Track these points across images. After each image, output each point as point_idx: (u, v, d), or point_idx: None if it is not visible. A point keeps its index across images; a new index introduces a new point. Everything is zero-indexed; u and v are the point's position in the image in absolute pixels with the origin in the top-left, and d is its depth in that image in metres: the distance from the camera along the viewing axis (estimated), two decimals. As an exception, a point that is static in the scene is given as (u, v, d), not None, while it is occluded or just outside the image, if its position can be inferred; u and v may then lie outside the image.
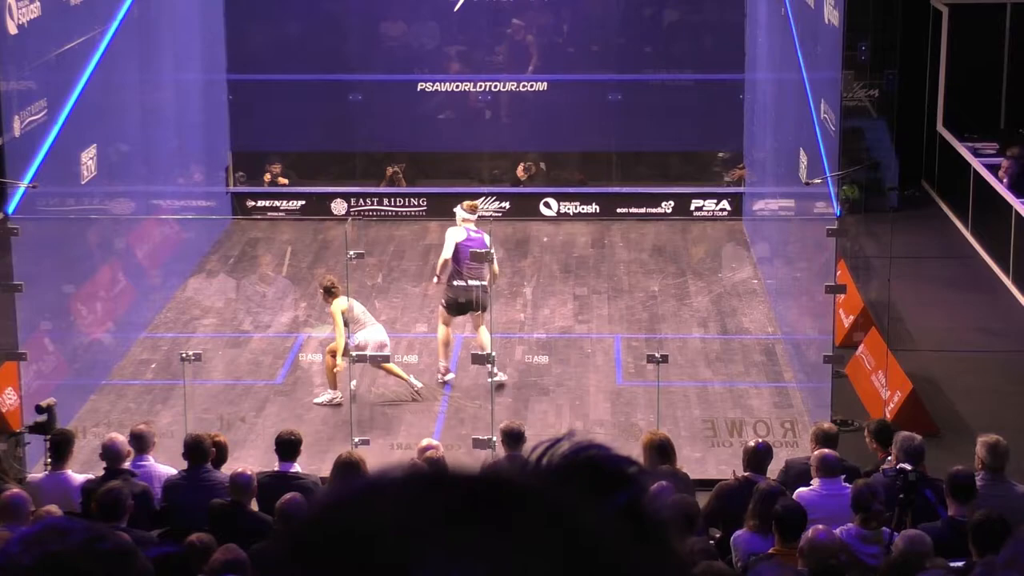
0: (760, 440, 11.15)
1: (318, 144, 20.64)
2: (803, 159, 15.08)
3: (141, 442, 11.11)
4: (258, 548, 8.34)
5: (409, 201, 20.17)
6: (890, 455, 10.46)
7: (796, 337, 15.30)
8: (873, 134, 19.80)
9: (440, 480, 1.23)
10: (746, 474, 10.50)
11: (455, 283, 14.42)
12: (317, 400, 14.26)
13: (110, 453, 10.80)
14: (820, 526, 8.75)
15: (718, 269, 18.08)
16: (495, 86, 20.35)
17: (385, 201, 20.18)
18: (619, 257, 18.73)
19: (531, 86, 20.38)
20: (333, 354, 14.04)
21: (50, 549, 1.85)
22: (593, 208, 20.19)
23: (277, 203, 20.18)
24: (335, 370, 14.07)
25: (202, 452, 10.73)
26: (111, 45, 15.32)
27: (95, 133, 14.96)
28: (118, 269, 16.06)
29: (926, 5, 20.96)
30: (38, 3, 13.25)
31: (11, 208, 13.16)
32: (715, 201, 20.09)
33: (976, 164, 19.20)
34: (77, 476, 10.98)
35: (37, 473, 11.79)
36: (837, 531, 9.00)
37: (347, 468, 10.19)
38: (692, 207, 20.04)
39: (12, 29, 12.77)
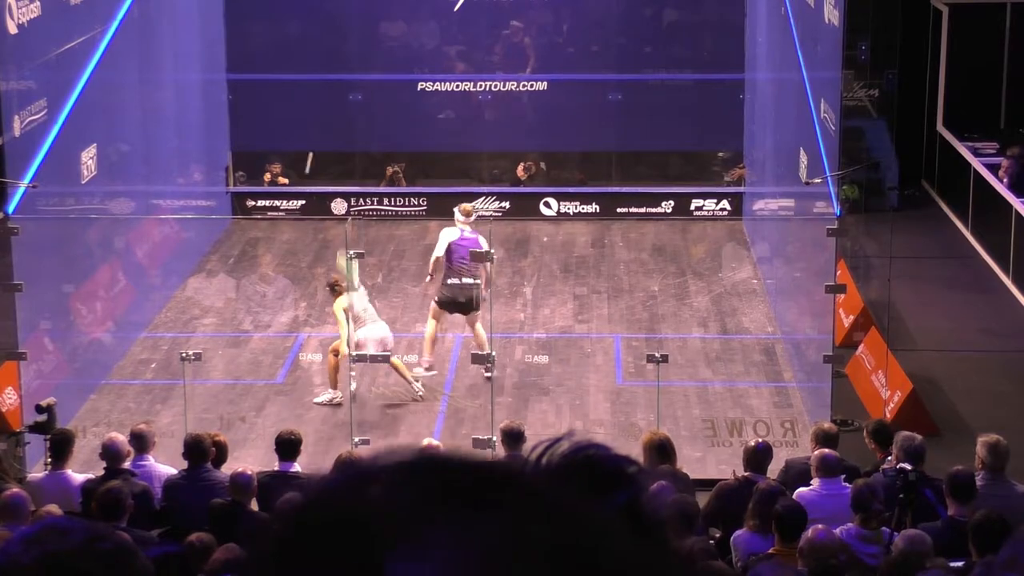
0: (760, 440, 11.15)
1: (318, 144, 20.64)
2: (803, 159, 15.08)
3: (141, 442, 11.11)
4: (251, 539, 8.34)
5: (409, 201, 20.17)
6: (890, 455, 10.46)
7: (796, 337, 15.30)
8: (873, 134, 19.79)
9: (432, 465, 1.23)
10: (746, 474, 10.50)
11: (449, 281, 14.47)
12: (317, 400, 14.26)
13: (110, 453, 10.80)
14: (820, 526, 8.75)
15: (718, 269, 18.08)
16: (495, 86, 20.35)
17: (385, 201, 20.18)
18: (619, 257, 18.73)
19: (531, 86, 20.38)
20: (336, 353, 14.05)
21: (50, 549, 1.85)
22: (593, 208, 20.19)
23: (277, 203, 20.18)
24: (338, 359, 14.06)
25: (202, 452, 10.73)
26: (111, 45, 15.32)
27: (95, 133, 14.96)
28: (118, 269, 16.06)
29: (926, 5, 20.96)
30: (38, 3, 13.25)
31: (11, 208, 13.16)
32: (715, 201, 20.09)
33: (976, 164, 19.20)
34: (77, 476, 10.97)
35: (37, 473, 11.79)
36: (837, 531, 9.00)
37: (346, 465, 10.18)
38: (692, 207, 20.04)
39: (12, 29, 12.77)
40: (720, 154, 20.54)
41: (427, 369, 14.61)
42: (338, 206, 20.03)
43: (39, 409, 12.26)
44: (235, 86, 20.04)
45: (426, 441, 11.31)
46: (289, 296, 17.08)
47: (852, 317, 15.49)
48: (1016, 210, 17.39)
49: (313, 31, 20.11)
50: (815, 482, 10.22)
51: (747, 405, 14.21)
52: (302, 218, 19.98)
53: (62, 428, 12.04)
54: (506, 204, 20.09)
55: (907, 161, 20.50)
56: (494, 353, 13.95)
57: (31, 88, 13.46)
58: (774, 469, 10.97)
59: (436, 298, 14.72)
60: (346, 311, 13.94)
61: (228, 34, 19.83)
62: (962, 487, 9.40)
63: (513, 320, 16.36)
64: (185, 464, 10.80)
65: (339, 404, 14.05)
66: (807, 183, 14.51)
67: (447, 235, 14.63)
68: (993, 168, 18.88)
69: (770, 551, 8.93)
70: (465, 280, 14.44)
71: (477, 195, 19.94)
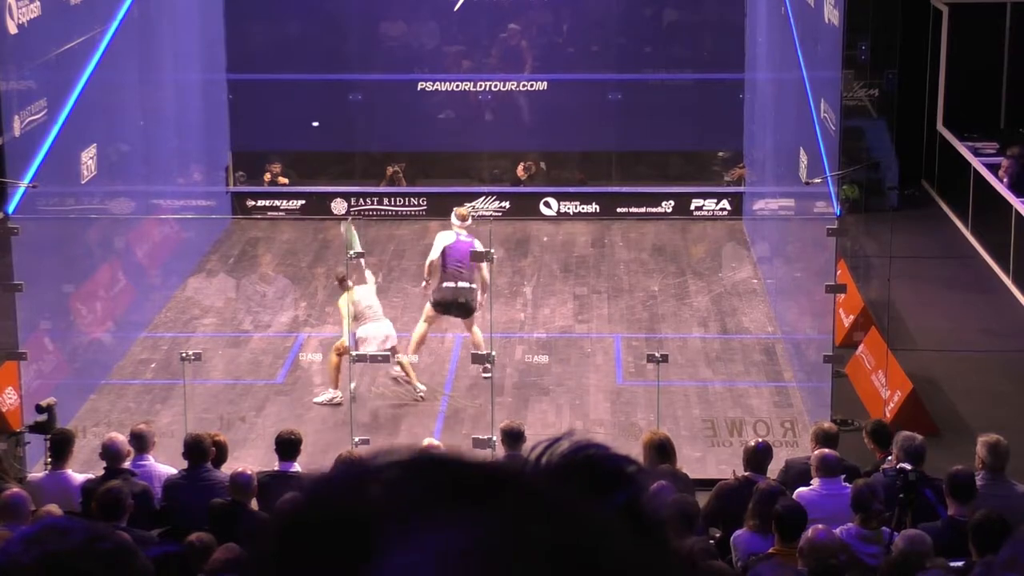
0: (760, 440, 11.15)
1: (318, 144, 20.65)
2: (803, 159, 15.08)
3: (141, 442, 11.11)
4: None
5: (409, 201, 20.17)
6: (889, 455, 10.46)
7: (796, 337, 15.30)
8: (873, 134, 19.79)
9: (431, 465, 1.23)
10: (746, 474, 10.50)
11: (445, 285, 14.45)
12: (317, 399, 14.26)
13: (110, 453, 10.80)
14: (820, 526, 8.75)
15: (718, 269, 18.08)
16: (495, 86, 20.35)
17: (385, 201, 20.18)
18: (619, 257, 18.73)
19: (531, 86, 20.38)
20: (339, 352, 14.02)
21: (50, 548, 1.85)
22: (593, 208, 20.19)
23: (277, 203, 20.18)
24: (340, 358, 14.04)
25: (202, 452, 10.73)
26: (111, 45, 15.32)
27: (95, 133, 14.96)
28: (118, 269, 16.06)
29: (926, 5, 20.97)
30: (38, 3, 13.25)
31: (11, 208, 13.17)
32: (715, 201, 20.09)
33: (976, 164, 19.20)
34: (77, 476, 10.98)
35: (37, 472, 11.79)
36: (837, 531, 9.00)
37: (347, 464, 10.18)
38: (692, 207, 20.04)
39: (12, 29, 12.77)
40: (720, 154, 20.54)
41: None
42: (338, 206, 20.03)
43: (39, 409, 12.27)
44: (235, 86, 20.04)
45: (426, 441, 11.31)
46: (289, 296, 17.08)
47: (852, 317, 15.49)
48: (1016, 210, 17.39)
49: (313, 31, 20.11)
50: (815, 482, 10.22)
51: (747, 405, 14.21)
52: (302, 218, 19.98)
53: (62, 428, 12.04)
54: (506, 204, 20.09)
55: (907, 161, 20.50)
56: (494, 353, 13.94)
57: (31, 88, 13.46)
58: (774, 469, 10.97)
59: (431, 301, 14.68)
60: (352, 305, 13.94)
61: (228, 34, 19.83)
62: (962, 487, 9.40)
63: (513, 320, 16.36)
64: (185, 464, 10.80)
65: (339, 404, 14.05)
66: (807, 183, 14.51)
67: (442, 239, 14.62)
68: (993, 168, 18.88)
69: (770, 551, 8.93)
70: (461, 284, 14.42)
71: (477, 195, 19.96)
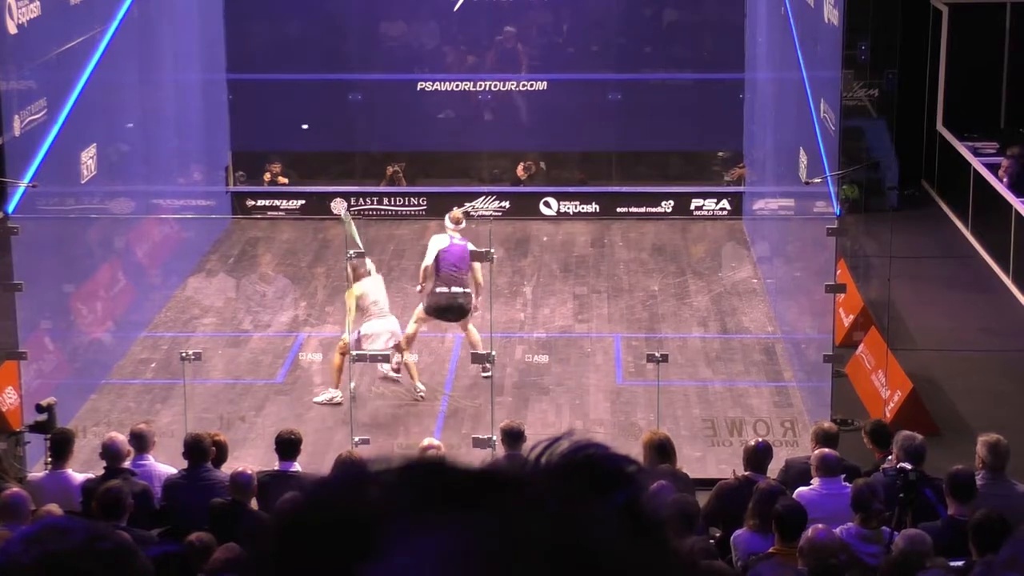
0: (760, 439, 11.16)
1: (318, 144, 20.65)
2: (803, 158, 15.08)
3: (141, 441, 11.11)
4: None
5: (409, 201, 20.17)
6: (889, 455, 10.46)
7: (796, 336, 15.31)
8: (873, 134, 19.78)
9: (431, 467, 1.24)
10: (746, 473, 10.50)
11: (438, 290, 14.39)
12: (317, 399, 14.26)
13: (110, 452, 10.80)
14: (820, 525, 8.75)
15: (718, 268, 18.09)
16: (495, 86, 20.35)
17: (385, 201, 20.18)
18: (619, 256, 18.73)
19: (531, 86, 20.38)
20: (342, 352, 14.00)
21: (50, 548, 1.85)
22: (593, 207, 20.19)
23: (277, 203, 20.18)
24: (343, 358, 14.02)
25: (202, 451, 10.73)
26: (111, 45, 15.32)
27: (95, 133, 14.96)
28: (118, 268, 16.06)
29: (926, 5, 20.96)
30: (38, 3, 13.25)
31: (11, 207, 13.17)
32: (715, 200, 20.09)
33: (976, 164, 19.20)
34: (77, 475, 10.98)
35: (37, 472, 11.79)
36: (837, 530, 9.00)
37: (347, 466, 10.19)
38: (692, 206, 20.04)
39: (12, 29, 12.77)
40: (720, 154, 20.54)
41: (395, 370, 14.54)
42: (338, 206, 20.02)
43: (39, 409, 12.27)
44: (235, 86, 20.04)
45: (426, 441, 11.31)
46: (289, 296, 17.08)
47: (852, 317, 15.49)
48: (1016, 210, 17.39)
49: (313, 31, 20.11)
50: (815, 482, 10.22)
51: (747, 405, 14.21)
52: (302, 218, 19.98)
53: (62, 428, 12.04)
54: (506, 204, 20.09)
55: (907, 161, 20.50)
56: (494, 353, 13.94)
57: (31, 88, 13.46)
58: (774, 469, 10.97)
59: (424, 305, 14.60)
60: (358, 300, 13.93)
61: (228, 34, 19.83)
62: (962, 487, 9.40)
63: (513, 320, 16.37)
64: (185, 464, 10.80)
65: (339, 404, 14.04)
66: (807, 183, 14.51)
67: (436, 243, 14.53)
68: (993, 168, 18.88)
69: (770, 551, 8.93)
70: (454, 289, 14.37)
71: (477, 195, 19.96)
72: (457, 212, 15.02)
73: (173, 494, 10.61)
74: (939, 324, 16.29)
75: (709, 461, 12.92)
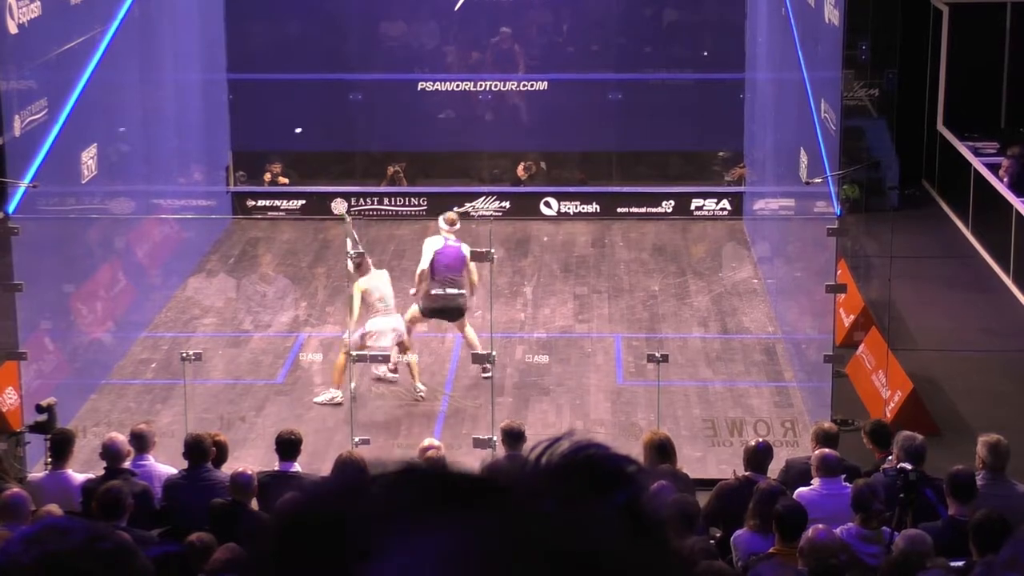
0: (760, 440, 11.16)
1: (318, 144, 20.65)
2: (803, 158, 15.08)
3: (141, 442, 11.11)
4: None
5: (409, 201, 20.17)
6: (889, 455, 10.46)
7: (796, 337, 15.31)
8: (873, 133, 19.79)
9: (431, 468, 1.24)
10: (746, 474, 10.50)
11: (434, 292, 14.37)
12: (317, 399, 14.25)
13: (110, 452, 10.80)
14: (820, 526, 8.75)
15: (718, 268, 18.09)
16: (495, 86, 20.35)
17: (386, 201, 20.18)
18: (619, 256, 18.73)
19: (531, 86, 20.38)
20: (347, 352, 13.94)
21: (50, 548, 1.85)
22: (593, 208, 20.19)
23: (277, 203, 20.18)
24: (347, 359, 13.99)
25: (202, 451, 10.73)
26: (111, 45, 15.32)
27: (95, 133, 14.96)
28: (118, 268, 16.06)
29: (926, 5, 20.96)
30: (38, 3, 13.25)
31: (11, 208, 13.17)
32: (715, 200, 20.09)
33: (976, 163, 19.20)
34: (77, 475, 10.98)
35: (37, 472, 11.79)
36: (837, 531, 9.00)
37: (347, 467, 10.19)
38: (692, 206, 20.04)
39: (12, 29, 12.77)
40: (720, 154, 20.54)
41: (392, 371, 14.53)
42: (338, 206, 20.03)
43: (39, 409, 12.27)
44: (235, 86, 20.05)
45: (426, 441, 11.30)
46: (289, 296, 17.08)
47: (852, 317, 15.49)
48: (1016, 210, 17.39)
49: (313, 31, 20.11)
50: (815, 482, 10.22)
51: (747, 405, 14.21)
52: (302, 218, 19.97)
53: (62, 428, 12.05)
54: (506, 204, 20.09)
55: (907, 161, 20.50)
56: (494, 353, 13.94)
57: (31, 88, 13.46)
58: (774, 469, 10.97)
59: (420, 306, 14.57)
60: (364, 295, 13.89)
61: (228, 34, 19.83)
62: (962, 487, 9.40)
63: (513, 320, 16.37)
64: (185, 464, 10.80)
65: (339, 404, 14.04)
66: (807, 183, 14.51)
67: (431, 245, 14.49)
68: (993, 168, 18.88)
69: (770, 551, 8.93)
70: (450, 291, 14.36)
71: (477, 195, 19.96)
72: (451, 213, 14.98)
73: (173, 494, 10.61)
74: (939, 324, 16.29)
75: (709, 461, 12.92)
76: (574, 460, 1.26)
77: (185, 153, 18.84)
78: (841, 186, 14.71)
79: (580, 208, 20.20)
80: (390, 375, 14.48)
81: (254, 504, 10.13)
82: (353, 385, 13.58)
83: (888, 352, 13.88)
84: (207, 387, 14.43)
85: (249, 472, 10.22)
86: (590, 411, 14.13)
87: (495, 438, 12.34)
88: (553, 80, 20.29)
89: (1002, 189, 18.16)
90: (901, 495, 9.36)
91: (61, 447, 11.17)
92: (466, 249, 14.38)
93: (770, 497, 9.28)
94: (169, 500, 10.60)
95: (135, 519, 9.68)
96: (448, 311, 14.46)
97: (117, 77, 15.84)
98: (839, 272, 13.88)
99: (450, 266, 14.32)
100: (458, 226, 14.67)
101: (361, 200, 20.10)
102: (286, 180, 20.32)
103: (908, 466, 9.61)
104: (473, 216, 19.14)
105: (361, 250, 14.22)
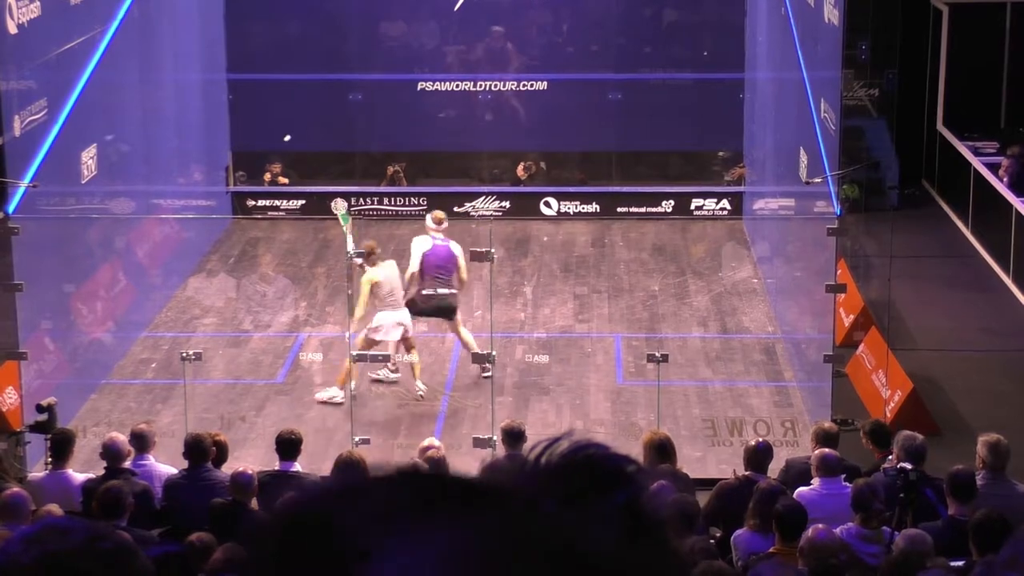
0: (760, 439, 11.16)
1: (318, 144, 20.65)
2: (803, 158, 15.08)
3: (141, 441, 11.11)
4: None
5: (409, 200, 20.17)
6: (890, 455, 10.46)
7: (796, 336, 15.30)
8: (873, 133, 19.79)
9: (430, 469, 1.24)
10: (746, 473, 10.50)
11: (425, 292, 14.35)
12: (318, 396, 14.23)
13: (110, 452, 10.80)
14: (820, 525, 8.75)
15: (718, 268, 18.08)
16: (495, 85, 20.35)
17: (386, 200, 20.18)
18: (619, 256, 18.73)
19: (531, 86, 20.38)
20: (355, 360, 13.89)
21: (50, 548, 1.85)
22: (593, 207, 20.19)
23: (277, 203, 20.18)
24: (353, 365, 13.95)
25: (202, 451, 10.73)
26: (111, 45, 15.32)
27: (95, 133, 14.96)
28: (118, 268, 16.06)
29: (926, 5, 20.96)
30: (38, 3, 13.25)
31: (11, 208, 13.17)
32: (715, 200, 20.09)
33: (976, 163, 19.20)
34: (78, 475, 10.98)
35: (38, 472, 11.79)
36: (837, 530, 9.00)
37: (347, 467, 10.19)
38: (692, 206, 20.04)
39: (12, 29, 12.77)
40: (720, 154, 20.54)
41: (393, 371, 14.52)
42: (339, 206, 20.00)
43: (40, 409, 12.27)
44: (235, 86, 20.04)
45: (426, 441, 11.30)
46: (289, 296, 17.08)
47: (852, 316, 15.49)
48: (1016, 209, 17.39)
49: (313, 31, 20.11)
50: (815, 482, 10.22)
51: (747, 405, 14.21)
52: (302, 218, 19.97)
53: (63, 428, 12.05)
54: (506, 204, 20.09)
55: (907, 160, 20.50)
56: (494, 353, 13.94)
57: (31, 88, 13.46)
58: (774, 468, 10.97)
59: (410, 308, 14.53)
60: (373, 288, 13.87)
61: (228, 34, 19.83)
62: (963, 486, 9.40)
63: (513, 320, 16.37)
64: (185, 464, 10.80)
65: (340, 403, 14.04)
66: (807, 182, 14.51)
67: (419, 246, 14.41)
68: (993, 167, 18.88)
69: (770, 551, 8.93)
70: (440, 290, 14.34)
71: (477, 195, 19.96)
72: (438, 212, 14.91)
73: (173, 494, 10.61)
74: (939, 324, 16.29)
75: (709, 461, 12.92)
76: (574, 460, 1.26)
77: (185, 153, 18.84)
78: (841, 186, 14.70)
79: (580, 208, 20.20)
80: (391, 375, 14.48)
81: (254, 504, 10.13)
82: (353, 385, 13.58)
83: (888, 352, 13.88)
84: (207, 387, 14.43)
85: (249, 472, 10.22)
86: (590, 411, 14.13)
87: (495, 438, 12.34)
88: (553, 80, 20.29)
89: (1002, 189, 18.16)
90: (901, 495, 9.36)
91: (61, 447, 11.17)
92: (455, 247, 14.35)
93: (770, 497, 9.29)
94: (169, 500, 10.60)
95: (135, 519, 9.68)
96: (441, 311, 14.45)
97: (117, 77, 15.84)
98: (839, 272, 13.88)
99: (440, 266, 14.29)
100: (445, 225, 14.61)
101: (361, 200, 20.09)
102: (286, 180, 20.32)
103: (908, 466, 9.61)
104: (473, 216, 19.14)
105: (360, 249, 14.20)
